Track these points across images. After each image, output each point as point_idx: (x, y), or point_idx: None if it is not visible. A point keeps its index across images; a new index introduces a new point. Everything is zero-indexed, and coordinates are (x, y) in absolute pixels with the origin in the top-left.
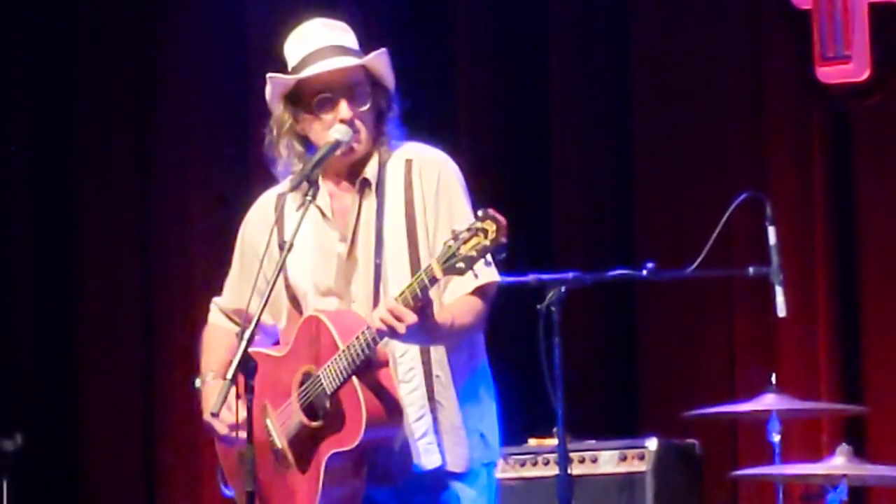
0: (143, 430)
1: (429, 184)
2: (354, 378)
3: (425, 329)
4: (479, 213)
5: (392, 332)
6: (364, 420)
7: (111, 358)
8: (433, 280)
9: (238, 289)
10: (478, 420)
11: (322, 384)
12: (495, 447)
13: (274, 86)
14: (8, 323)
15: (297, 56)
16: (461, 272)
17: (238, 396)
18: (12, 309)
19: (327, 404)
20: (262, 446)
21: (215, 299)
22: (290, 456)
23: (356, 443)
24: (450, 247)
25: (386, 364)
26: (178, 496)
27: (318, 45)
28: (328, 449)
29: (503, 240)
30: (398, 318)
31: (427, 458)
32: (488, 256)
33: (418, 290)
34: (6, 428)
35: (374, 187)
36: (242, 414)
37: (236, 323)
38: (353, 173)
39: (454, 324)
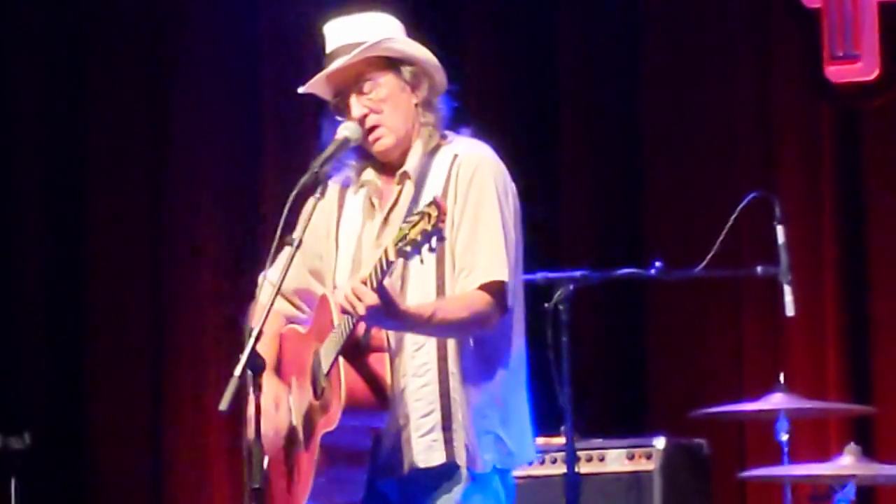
0: (150, 429)
1: (463, 178)
2: (341, 359)
3: (389, 314)
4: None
5: (354, 312)
6: (343, 402)
7: (119, 357)
8: (388, 262)
9: (297, 269)
10: (496, 422)
11: (321, 362)
12: (516, 454)
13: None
14: (16, 322)
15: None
16: (408, 255)
17: (245, 394)
18: (21, 309)
19: (324, 383)
20: (283, 423)
21: (267, 274)
22: (300, 432)
23: (335, 424)
24: (402, 229)
25: (379, 349)
26: (185, 495)
27: (328, 50)
28: (322, 428)
29: (441, 225)
30: (358, 298)
31: (428, 454)
32: (433, 241)
33: (379, 273)
34: (14, 427)
35: (413, 180)
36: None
37: (293, 304)
38: (393, 164)
39: (434, 315)
